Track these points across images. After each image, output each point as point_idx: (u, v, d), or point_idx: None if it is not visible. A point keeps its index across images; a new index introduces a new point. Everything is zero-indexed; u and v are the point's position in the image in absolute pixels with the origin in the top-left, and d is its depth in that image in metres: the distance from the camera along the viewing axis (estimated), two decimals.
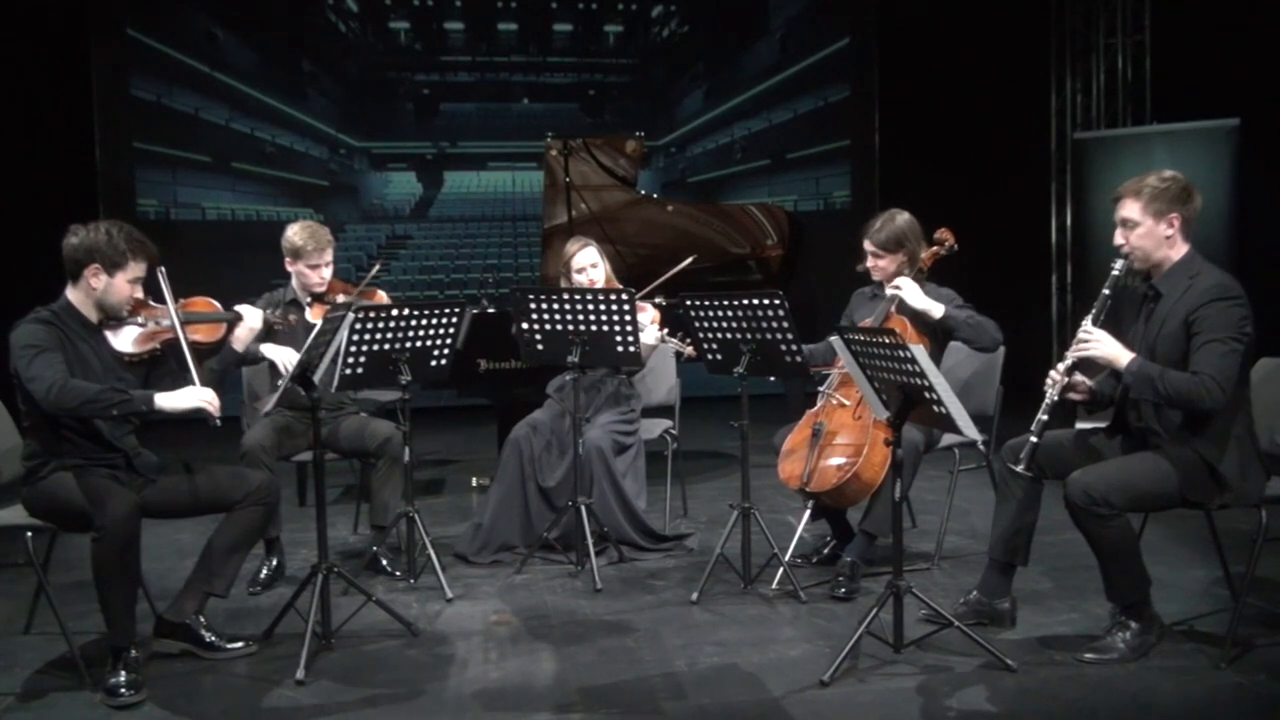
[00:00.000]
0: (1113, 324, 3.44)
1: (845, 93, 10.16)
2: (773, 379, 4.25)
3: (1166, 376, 3.25)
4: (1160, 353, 3.34)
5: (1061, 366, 3.45)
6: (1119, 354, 3.33)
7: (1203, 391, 3.19)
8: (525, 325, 4.42)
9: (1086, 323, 3.41)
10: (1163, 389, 3.24)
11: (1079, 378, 3.49)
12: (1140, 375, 3.29)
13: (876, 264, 4.26)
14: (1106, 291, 3.42)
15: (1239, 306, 3.27)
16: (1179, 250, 3.40)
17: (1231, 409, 3.29)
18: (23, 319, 3.39)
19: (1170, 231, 3.37)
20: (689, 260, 5.30)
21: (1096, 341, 3.36)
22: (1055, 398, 3.44)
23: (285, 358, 4.18)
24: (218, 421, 3.38)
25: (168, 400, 3.36)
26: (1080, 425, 3.76)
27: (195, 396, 3.37)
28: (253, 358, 4.07)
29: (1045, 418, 3.43)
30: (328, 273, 4.48)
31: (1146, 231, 3.38)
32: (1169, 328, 3.33)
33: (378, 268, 4.40)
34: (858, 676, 3.32)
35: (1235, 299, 3.27)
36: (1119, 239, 3.43)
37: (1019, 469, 3.46)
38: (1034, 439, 3.44)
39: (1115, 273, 3.44)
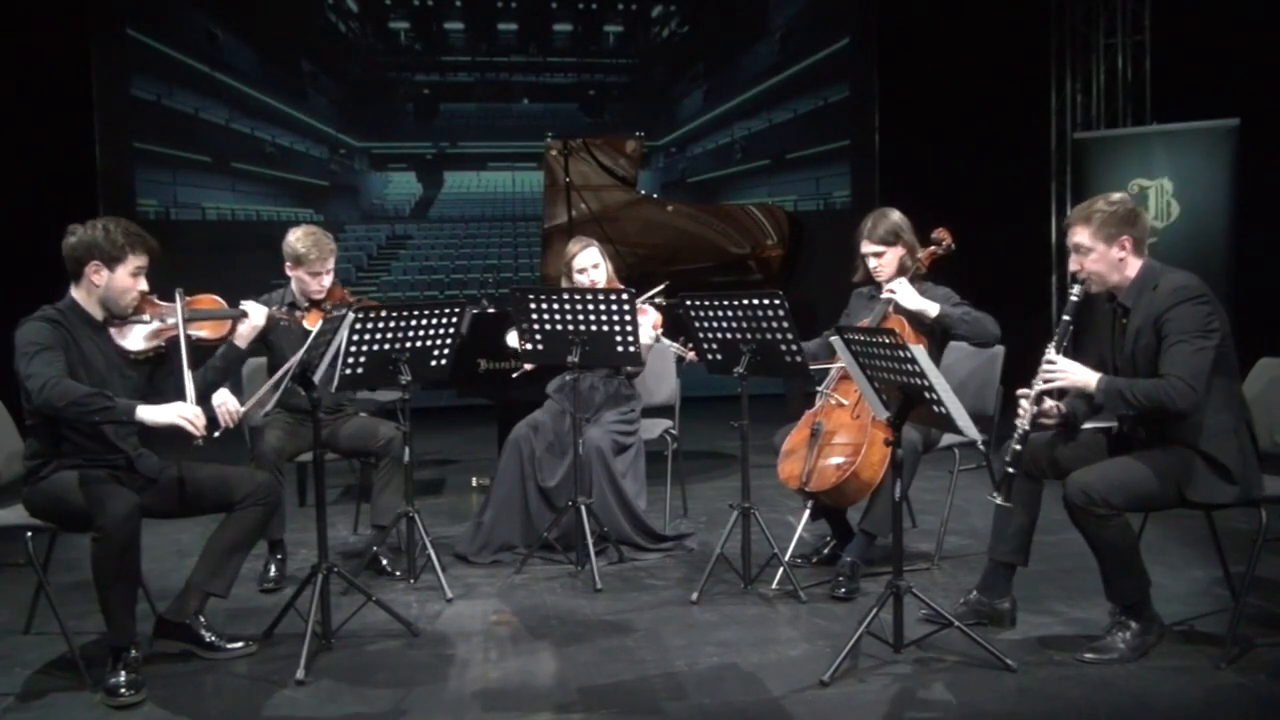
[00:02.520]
0: (1088, 346, 3.45)
1: (845, 93, 10.17)
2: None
3: (1135, 386, 3.28)
4: (1141, 365, 3.36)
5: (1030, 393, 3.45)
6: (1086, 378, 3.36)
7: (1172, 393, 3.22)
8: (524, 327, 4.41)
9: (1050, 352, 3.42)
10: (1133, 399, 3.27)
11: (1049, 403, 3.50)
12: (1110, 392, 3.32)
13: (879, 263, 4.26)
14: (1067, 318, 3.45)
15: (1203, 304, 3.29)
16: (1134, 267, 3.43)
17: (1222, 405, 3.31)
18: (28, 317, 3.39)
19: (1123, 254, 3.41)
20: (662, 286, 5.22)
21: (1063, 371, 3.38)
22: (1027, 427, 3.44)
23: (230, 404, 3.94)
24: (199, 441, 3.32)
25: (149, 413, 3.29)
26: (1081, 425, 3.76)
27: (175, 412, 3.29)
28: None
29: (1019, 448, 3.45)
30: (328, 281, 4.47)
31: (1099, 256, 3.42)
32: (1143, 340, 3.36)
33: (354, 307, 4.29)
34: (858, 676, 3.32)
35: (1198, 298, 3.30)
36: (1074, 265, 3.47)
37: (998, 500, 3.47)
38: (1010, 470, 3.45)
39: (1073, 298, 3.46)
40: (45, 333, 3.34)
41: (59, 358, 3.31)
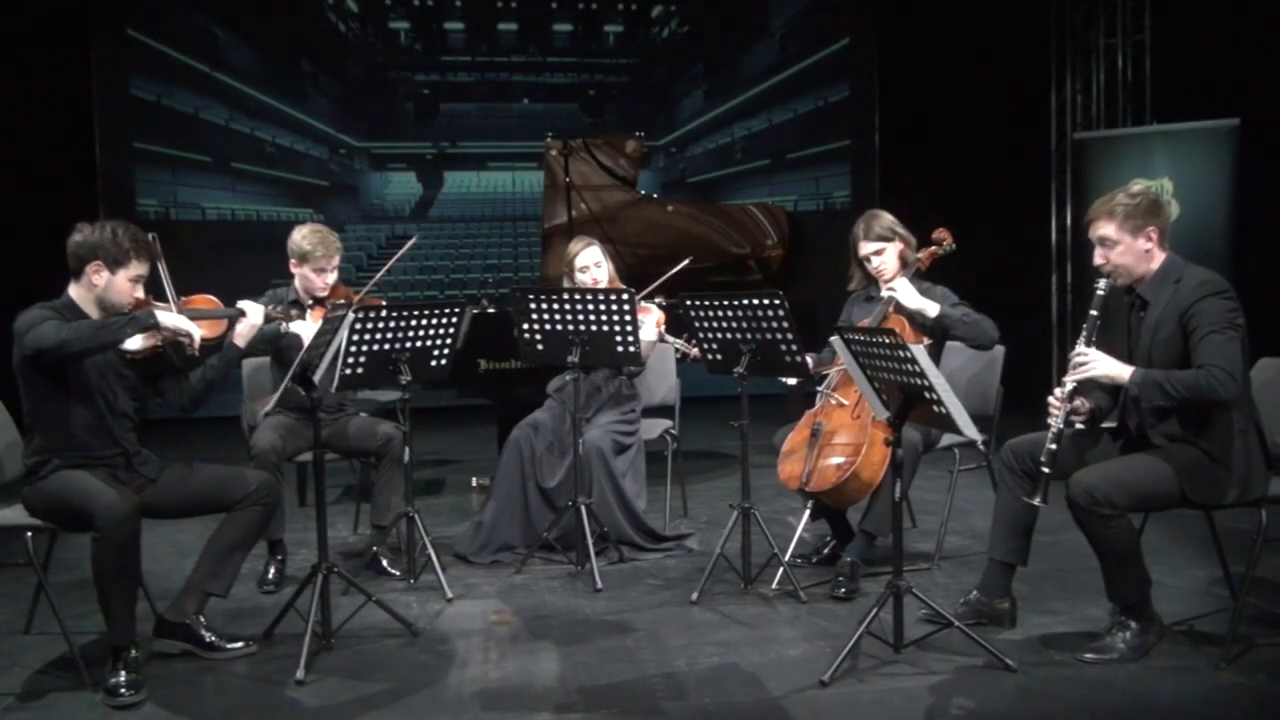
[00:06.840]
0: (1101, 338, 3.43)
1: (845, 93, 10.17)
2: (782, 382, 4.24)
3: (1173, 377, 3.25)
4: (1158, 358, 3.34)
5: (1061, 392, 3.43)
6: (1119, 370, 3.33)
7: (1215, 383, 3.19)
8: (525, 326, 4.41)
9: (1080, 345, 3.41)
10: (1173, 390, 3.24)
11: (1080, 401, 3.49)
12: (1147, 383, 3.28)
13: (881, 260, 4.24)
14: (1094, 312, 3.42)
15: (1228, 299, 3.29)
16: (1158, 259, 3.42)
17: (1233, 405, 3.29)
18: (27, 309, 3.40)
19: (1149, 245, 3.40)
20: (685, 263, 5.28)
21: (1094, 362, 3.36)
22: (1061, 425, 3.41)
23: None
24: (195, 350, 3.46)
25: (165, 317, 3.41)
26: (1081, 425, 3.75)
27: (189, 324, 3.43)
28: (273, 333, 4.02)
29: (1054, 447, 3.39)
30: (333, 278, 4.48)
31: (1126, 248, 3.40)
32: (1164, 333, 3.34)
33: (398, 254, 4.34)
34: (858, 676, 3.32)
35: (1223, 292, 3.29)
36: (1099, 259, 3.45)
37: (1034, 502, 3.42)
38: (1045, 470, 3.40)
39: (1100, 293, 3.44)
40: (48, 315, 3.37)
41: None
